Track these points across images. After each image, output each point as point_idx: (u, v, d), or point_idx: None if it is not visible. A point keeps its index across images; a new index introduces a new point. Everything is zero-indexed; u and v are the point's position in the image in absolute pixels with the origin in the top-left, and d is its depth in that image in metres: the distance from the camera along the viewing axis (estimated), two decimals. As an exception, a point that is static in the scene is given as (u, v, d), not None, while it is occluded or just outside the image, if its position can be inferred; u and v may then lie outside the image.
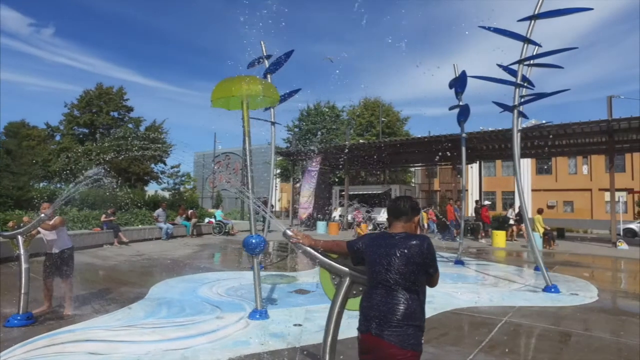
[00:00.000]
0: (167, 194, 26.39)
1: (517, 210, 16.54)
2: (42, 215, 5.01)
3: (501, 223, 18.20)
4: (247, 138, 5.44)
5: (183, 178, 34.29)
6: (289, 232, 2.88)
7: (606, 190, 28.80)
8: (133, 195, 17.47)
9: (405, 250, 2.14)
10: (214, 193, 43.76)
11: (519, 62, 7.43)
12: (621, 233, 20.24)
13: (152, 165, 34.31)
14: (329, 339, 2.68)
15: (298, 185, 30.71)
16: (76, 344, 4.36)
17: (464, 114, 9.99)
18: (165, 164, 35.18)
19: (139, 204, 16.05)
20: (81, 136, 34.86)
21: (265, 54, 9.35)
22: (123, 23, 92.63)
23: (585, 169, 32.73)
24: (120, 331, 4.81)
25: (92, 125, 34.07)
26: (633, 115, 13.46)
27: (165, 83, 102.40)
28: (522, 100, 7.79)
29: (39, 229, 5.27)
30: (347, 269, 2.63)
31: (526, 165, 34.06)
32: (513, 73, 7.86)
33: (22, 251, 5.03)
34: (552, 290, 7.08)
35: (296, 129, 34.93)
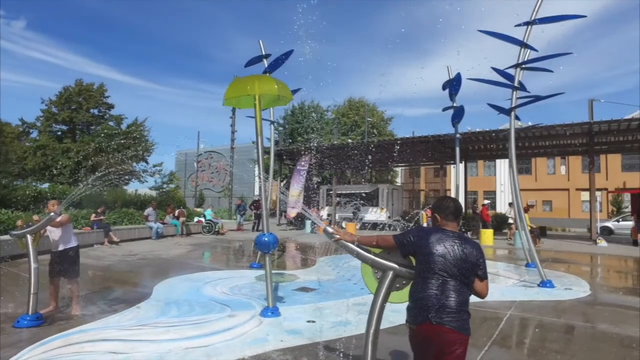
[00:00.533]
0: (154, 193, 25.94)
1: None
2: (52, 214, 4.91)
3: (500, 222, 18.66)
4: (259, 137, 5.47)
5: (168, 177, 33.66)
6: (329, 230, 2.94)
7: (583, 190, 29.92)
8: (116, 194, 17.18)
9: (463, 249, 2.31)
10: (196, 192, 43.29)
11: (516, 66, 7.70)
12: (598, 231, 21.05)
13: (134, 164, 33.64)
14: (372, 330, 2.75)
15: (283, 183, 30.65)
16: (93, 343, 4.31)
17: (458, 115, 10.24)
18: (147, 162, 34.56)
19: (129, 204, 15.78)
20: (59, 133, 33.86)
21: (264, 53, 9.35)
22: (99, 18, 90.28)
23: (563, 169, 33.92)
24: (134, 330, 4.76)
25: (71, 123, 33.13)
26: (613, 118, 14.08)
27: (145, 80, 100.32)
28: (518, 102, 8.04)
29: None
30: (391, 263, 2.71)
31: (507, 166, 35.00)
32: (506, 76, 8.13)
33: (31, 250, 4.92)
34: (548, 285, 7.38)
35: (281, 128, 34.86)
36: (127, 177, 33.00)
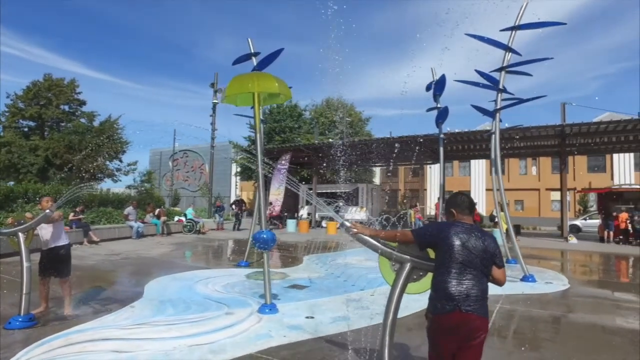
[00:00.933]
0: (132, 192, 25.29)
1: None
2: (47, 211, 4.77)
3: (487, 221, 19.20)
4: (258, 134, 5.49)
5: (147, 175, 32.78)
6: (347, 224, 3.02)
7: (553, 190, 31.22)
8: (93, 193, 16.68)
9: (483, 241, 2.46)
10: (172, 191, 42.45)
11: (501, 69, 8.01)
12: (567, 229, 22.04)
13: (107, 162, 32.65)
14: (389, 320, 2.86)
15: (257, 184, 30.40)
16: (94, 343, 4.23)
17: (442, 115, 10.51)
18: (121, 160, 33.60)
19: (106, 203, 15.37)
20: (26, 129, 32.46)
21: (252, 51, 9.29)
22: (71, 12, 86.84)
23: (534, 170, 35.29)
24: (134, 329, 4.70)
25: (39, 119, 31.81)
26: (583, 121, 14.82)
27: (118, 77, 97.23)
28: (502, 105, 8.36)
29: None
30: (408, 256, 2.83)
31: (481, 166, 36.13)
32: (487, 79, 8.44)
33: (23, 249, 4.76)
34: (530, 279, 7.73)
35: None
36: (99, 175, 32.02)
